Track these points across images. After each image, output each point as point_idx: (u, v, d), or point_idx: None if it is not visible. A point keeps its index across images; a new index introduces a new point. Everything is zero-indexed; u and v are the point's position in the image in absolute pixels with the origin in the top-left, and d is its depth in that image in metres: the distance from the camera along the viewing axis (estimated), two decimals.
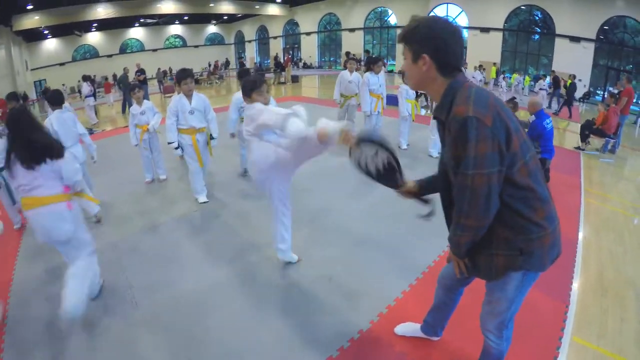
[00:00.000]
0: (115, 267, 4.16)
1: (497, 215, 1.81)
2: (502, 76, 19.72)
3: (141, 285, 3.82)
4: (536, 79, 18.00)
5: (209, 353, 2.97)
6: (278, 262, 4.08)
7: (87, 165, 5.76)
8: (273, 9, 34.26)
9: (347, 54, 20.52)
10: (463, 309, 2.73)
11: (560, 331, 3.12)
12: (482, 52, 23.23)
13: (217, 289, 3.74)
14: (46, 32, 30.28)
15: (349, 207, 5.42)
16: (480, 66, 19.85)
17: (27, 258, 4.49)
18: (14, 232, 5.10)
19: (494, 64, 21.87)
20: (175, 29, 39.96)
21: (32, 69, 30.87)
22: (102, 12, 25.49)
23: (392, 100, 9.27)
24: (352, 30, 32.18)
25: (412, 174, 2.43)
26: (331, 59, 36.13)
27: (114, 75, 27.11)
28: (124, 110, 15.34)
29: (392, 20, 30.09)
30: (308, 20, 35.12)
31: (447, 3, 24.93)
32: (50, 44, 33.00)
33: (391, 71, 28.42)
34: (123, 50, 37.27)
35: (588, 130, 9.12)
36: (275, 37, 38.96)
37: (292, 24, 37.39)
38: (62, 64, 33.09)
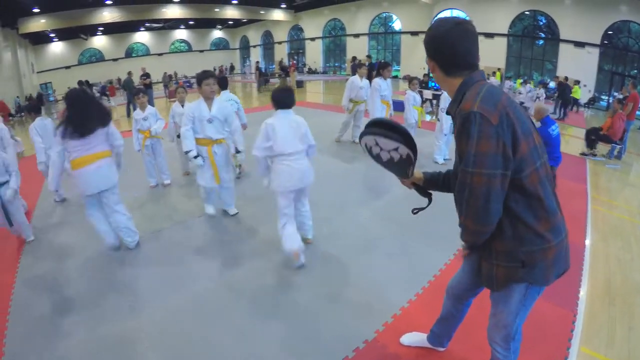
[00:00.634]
0: (116, 271, 4.18)
1: (499, 223, 1.76)
2: (510, 81, 19.51)
3: (141, 290, 3.82)
4: (542, 84, 17.86)
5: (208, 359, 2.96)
6: (283, 269, 4.06)
7: None
8: (278, 15, 34.38)
9: (354, 58, 20.60)
10: (470, 320, 2.68)
11: (568, 341, 3.07)
12: (487, 58, 22.96)
13: (219, 295, 3.70)
14: (52, 35, 30.65)
15: (355, 213, 5.37)
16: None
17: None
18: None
19: (498, 69, 21.79)
20: (181, 33, 40.24)
21: (38, 72, 31.15)
22: (107, 16, 25.69)
23: (398, 107, 9.22)
24: (356, 35, 32.25)
25: None
26: (336, 64, 36.19)
27: (118, 79, 27.29)
28: (128, 114, 15.28)
29: (397, 25, 30.15)
30: (313, 26, 35.23)
31: (452, 9, 24.87)
32: (57, 47, 33.32)
33: (396, 77, 28.40)
34: (129, 54, 37.62)
35: (594, 135, 9.06)
36: (280, 43, 39.14)
37: (296, 30, 37.52)
38: (68, 67, 33.41)
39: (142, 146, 6.30)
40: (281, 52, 38.47)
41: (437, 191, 2.24)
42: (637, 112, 9.95)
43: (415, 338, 2.97)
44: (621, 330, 3.27)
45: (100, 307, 3.56)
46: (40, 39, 30.53)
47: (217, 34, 42.73)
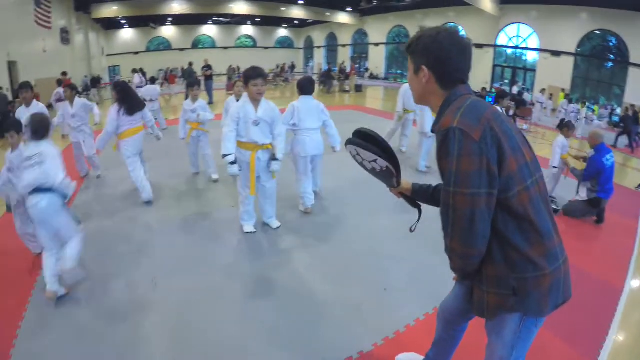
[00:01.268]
0: (143, 248, 4.57)
1: (489, 246, 1.63)
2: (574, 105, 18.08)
3: (163, 270, 4.09)
4: (608, 110, 16.50)
5: (203, 351, 3.00)
6: (297, 269, 4.14)
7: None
8: (343, 17, 34.00)
9: None
10: (469, 348, 2.48)
11: None
12: (552, 77, 21.53)
13: (230, 285, 3.84)
14: (123, 22, 32.09)
15: (373, 223, 5.25)
16: (542, 90, 18.58)
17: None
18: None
19: (562, 90, 20.37)
20: (247, 29, 40.80)
21: (107, 55, 32.67)
22: (177, 7, 26.46)
23: None
24: None
25: None
26: (398, 71, 35.49)
27: (182, 68, 28.11)
28: None
29: None
30: (377, 31, 34.55)
31: (519, 23, 23.45)
32: (127, 34, 34.89)
33: None
34: (195, 45, 38.61)
35: None
36: (343, 45, 38.76)
37: (361, 34, 37.00)
38: (136, 53, 34.88)
39: (187, 136, 6.52)
40: (344, 55, 38.17)
41: (425, 204, 2.15)
42: None
43: (411, 358, 2.83)
44: None
45: (126, 279, 3.92)
46: (111, 25, 32.10)
47: (282, 32, 43.01)
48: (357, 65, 33.83)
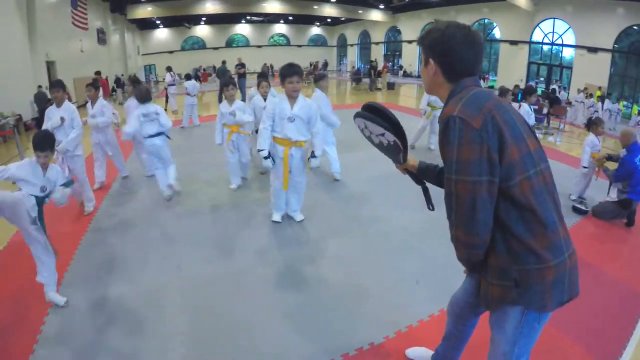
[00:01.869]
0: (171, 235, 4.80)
1: (492, 236, 1.63)
2: (611, 103, 17.16)
3: (187, 256, 4.27)
4: None
5: (217, 334, 3.11)
6: (317, 259, 4.22)
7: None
8: (376, 15, 33.58)
9: None
10: (480, 344, 2.30)
11: None
12: (588, 74, 20.47)
13: (252, 276, 3.92)
14: (158, 22, 32.86)
15: (404, 216, 5.19)
16: (584, 89, 17.94)
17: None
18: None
19: (599, 88, 19.52)
20: (280, 27, 41.10)
21: (143, 54, 33.54)
22: (210, 7, 26.79)
23: None
24: None
25: None
26: None
27: (214, 67, 28.62)
28: (220, 100, 15.69)
29: (497, 33, 28.40)
30: (410, 28, 33.94)
31: (554, 18, 22.44)
32: (161, 33, 35.79)
33: (492, 87, 26.78)
34: (229, 44, 39.24)
35: None
36: (376, 43, 38.40)
37: (394, 31, 36.52)
38: (171, 52, 35.77)
39: (226, 141, 5.86)
40: (377, 53, 37.80)
41: (430, 183, 2.15)
42: None
43: (421, 353, 2.82)
44: None
45: (152, 262, 4.16)
46: (146, 25, 33.01)
47: (315, 30, 43.06)
48: (389, 63, 33.54)
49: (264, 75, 6.75)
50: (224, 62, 18.28)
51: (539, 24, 23.63)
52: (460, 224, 1.62)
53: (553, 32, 23.13)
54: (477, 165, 1.52)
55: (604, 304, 3.56)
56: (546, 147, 9.92)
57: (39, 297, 3.42)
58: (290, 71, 4.25)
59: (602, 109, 15.97)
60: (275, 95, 6.15)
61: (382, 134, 1.98)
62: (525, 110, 6.77)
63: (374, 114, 1.97)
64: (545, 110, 13.73)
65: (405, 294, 3.60)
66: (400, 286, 3.72)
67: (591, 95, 17.48)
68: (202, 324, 3.19)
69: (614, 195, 5.38)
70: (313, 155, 4.61)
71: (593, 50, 20.59)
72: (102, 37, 22.15)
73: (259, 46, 39.93)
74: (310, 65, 33.08)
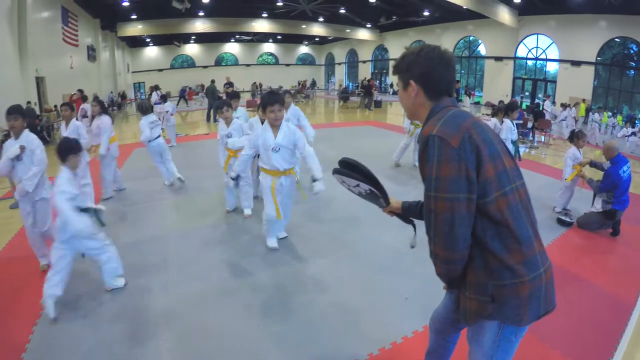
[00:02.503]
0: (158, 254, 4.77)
1: (470, 252, 1.67)
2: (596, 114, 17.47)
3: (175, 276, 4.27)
4: (629, 119, 15.97)
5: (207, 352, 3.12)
6: (303, 277, 4.23)
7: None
8: (363, 34, 34.24)
9: None
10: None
11: None
12: (572, 87, 21.14)
13: (235, 293, 3.94)
14: (148, 40, 32.96)
15: (385, 235, 5.16)
16: (566, 104, 18.21)
17: None
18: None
19: (583, 100, 19.78)
20: (269, 46, 41.52)
21: (133, 72, 33.55)
22: (200, 26, 27.08)
23: None
24: None
25: None
26: None
27: (202, 86, 28.76)
28: (208, 119, 16.57)
29: (482, 50, 28.92)
30: (397, 46, 34.43)
31: (538, 34, 23.15)
32: (151, 51, 35.90)
33: (477, 103, 27.14)
34: (218, 62, 39.47)
35: None
36: (364, 62, 38.98)
37: (381, 49, 37.14)
38: (160, 70, 35.85)
39: (224, 165, 5.62)
40: (365, 71, 38.32)
41: (416, 219, 2.18)
42: None
43: None
44: None
45: (141, 281, 4.12)
46: (136, 43, 33.14)
47: (303, 49, 43.58)
48: (376, 82, 33.92)
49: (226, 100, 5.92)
50: (212, 82, 18.38)
51: (523, 39, 24.25)
52: (439, 240, 1.65)
53: (537, 47, 23.80)
54: (456, 183, 1.56)
55: (592, 314, 3.61)
56: (531, 160, 10.20)
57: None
58: (271, 99, 4.10)
59: (590, 121, 16.38)
60: (239, 116, 5.91)
61: (357, 185, 2.12)
62: (508, 126, 6.88)
63: (348, 168, 2.10)
64: (530, 125, 13.97)
65: (389, 312, 3.62)
66: (385, 304, 3.74)
67: (573, 106, 17.81)
68: (190, 342, 3.21)
69: (598, 206, 5.47)
70: (314, 180, 4.26)
71: (576, 63, 21.18)
72: (92, 53, 22.16)
73: (248, 65, 40.25)
74: (299, 83, 33.36)
